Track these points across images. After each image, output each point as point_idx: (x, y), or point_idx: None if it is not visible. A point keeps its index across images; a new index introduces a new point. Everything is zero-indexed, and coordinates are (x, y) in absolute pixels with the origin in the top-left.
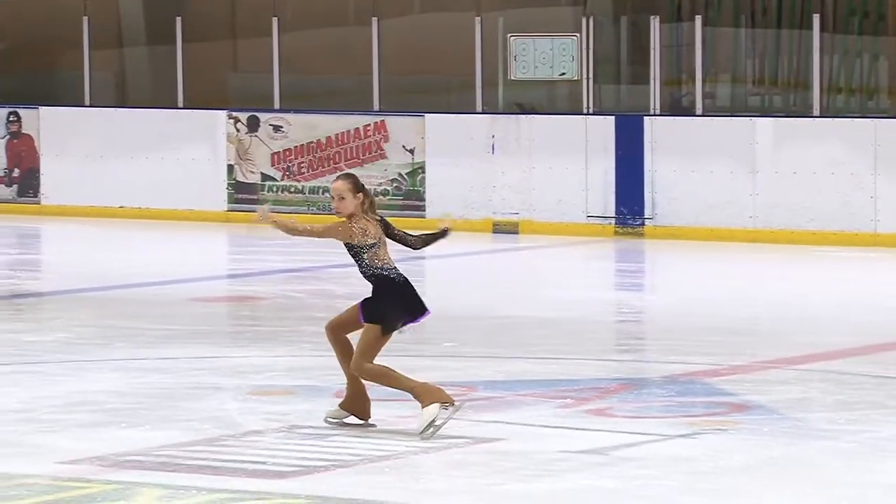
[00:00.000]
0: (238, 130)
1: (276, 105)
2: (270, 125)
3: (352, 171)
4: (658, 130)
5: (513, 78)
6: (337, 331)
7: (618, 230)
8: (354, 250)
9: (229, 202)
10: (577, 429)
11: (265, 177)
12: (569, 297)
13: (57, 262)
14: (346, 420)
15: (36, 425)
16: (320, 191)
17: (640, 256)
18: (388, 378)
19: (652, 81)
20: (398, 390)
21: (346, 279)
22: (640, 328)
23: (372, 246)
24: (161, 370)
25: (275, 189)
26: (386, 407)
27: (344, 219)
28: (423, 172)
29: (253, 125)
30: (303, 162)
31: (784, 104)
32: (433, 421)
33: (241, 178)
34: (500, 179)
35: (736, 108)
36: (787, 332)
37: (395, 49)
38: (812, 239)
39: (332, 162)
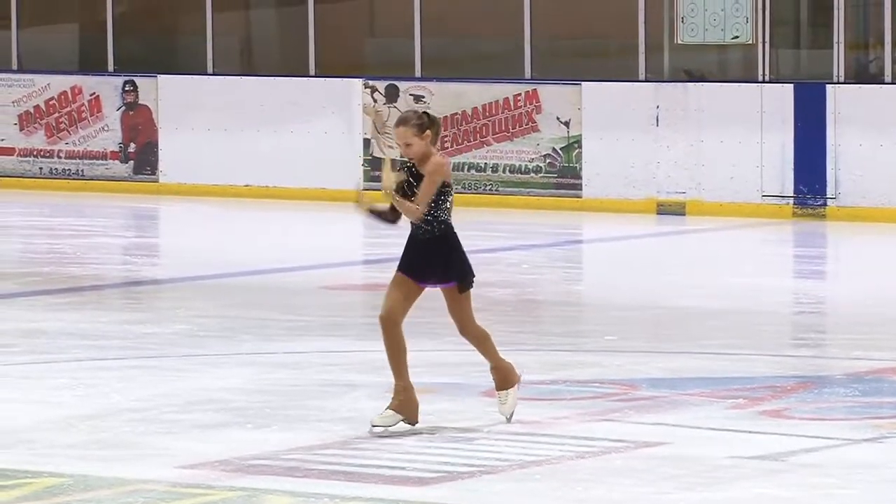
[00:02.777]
0: (375, 101)
1: (418, 73)
2: (411, 95)
3: (503, 145)
4: (842, 100)
5: (680, 42)
6: (400, 319)
7: (797, 211)
8: (443, 191)
9: (365, 180)
10: (749, 432)
11: None
12: (741, 285)
13: (176, 247)
14: (391, 428)
15: (154, 426)
16: (466, 168)
17: (822, 240)
18: (487, 345)
19: (835, 45)
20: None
21: (492, 265)
22: (821, 320)
23: (451, 185)
24: (290, 366)
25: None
26: (537, 406)
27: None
28: (580, 147)
29: (392, 95)
30: (446, 136)
31: None
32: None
33: (378, 154)
34: (665, 155)
35: None
36: None
37: (549, 9)
38: None
39: (478, 135)
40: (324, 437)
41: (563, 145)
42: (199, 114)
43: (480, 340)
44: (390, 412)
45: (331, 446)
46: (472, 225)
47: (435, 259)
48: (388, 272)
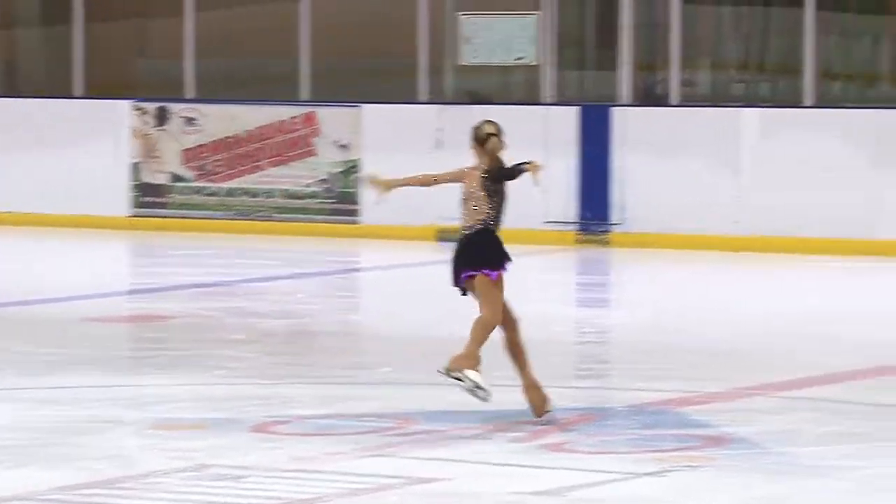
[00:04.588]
0: (145, 123)
1: (189, 94)
2: (182, 117)
3: (278, 169)
4: (628, 122)
5: (463, 63)
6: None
7: (581, 237)
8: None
9: (134, 206)
10: (531, 466)
11: (175, 177)
12: (524, 314)
13: None
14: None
15: None
16: (239, 193)
17: (606, 268)
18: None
19: (621, 67)
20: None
21: (265, 294)
22: (604, 350)
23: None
24: (53, 401)
25: (186, 191)
26: (311, 442)
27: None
28: (359, 172)
29: (162, 117)
30: (219, 160)
31: (772, 92)
32: (477, 384)
33: (147, 179)
34: None
35: (718, 97)
36: (773, 354)
37: (328, 29)
38: (803, 247)
39: (252, 160)
40: (87, 475)
41: (341, 170)
42: None
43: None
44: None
45: (94, 485)
46: (245, 253)
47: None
48: (157, 303)
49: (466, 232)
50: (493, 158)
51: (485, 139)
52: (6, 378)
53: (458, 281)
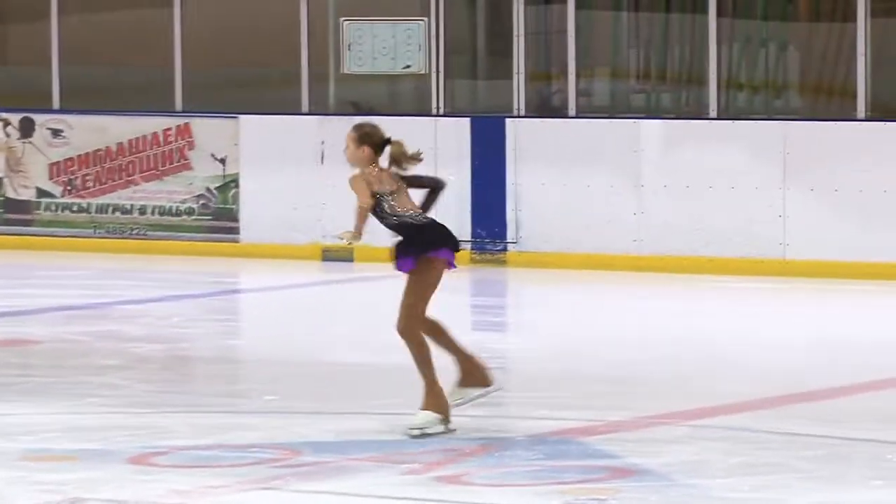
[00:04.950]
0: (8, 135)
1: (56, 105)
2: (48, 129)
3: (151, 184)
4: (523, 135)
5: (346, 71)
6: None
7: (475, 257)
8: (376, 200)
9: None
10: (426, 500)
11: (41, 192)
12: None
13: None
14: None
15: None
16: (110, 209)
17: (502, 289)
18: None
19: (515, 76)
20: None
21: (138, 318)
22: (502, 376)
23: (391, 193)
24: None
25: (53, 207)
26: (189, 475)
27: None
28: (237, 187)
29: (27, 129)
30: (88, 174)
31: (674, 103)
32: (425, 429)
33: (11, 195)
34: (332, 195)
35: (616, 109)
36: (678, 380)
37: (203, 37)
38: (709, 267)
39: (124, 174)
40: None
41: (218, 184)
42: None
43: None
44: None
45: None
46: (117, 273)
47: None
48: (22, 327)
49: (416, 217)
50: (399, 162)
51: (386, 142)
52: None
53: (405, 266)
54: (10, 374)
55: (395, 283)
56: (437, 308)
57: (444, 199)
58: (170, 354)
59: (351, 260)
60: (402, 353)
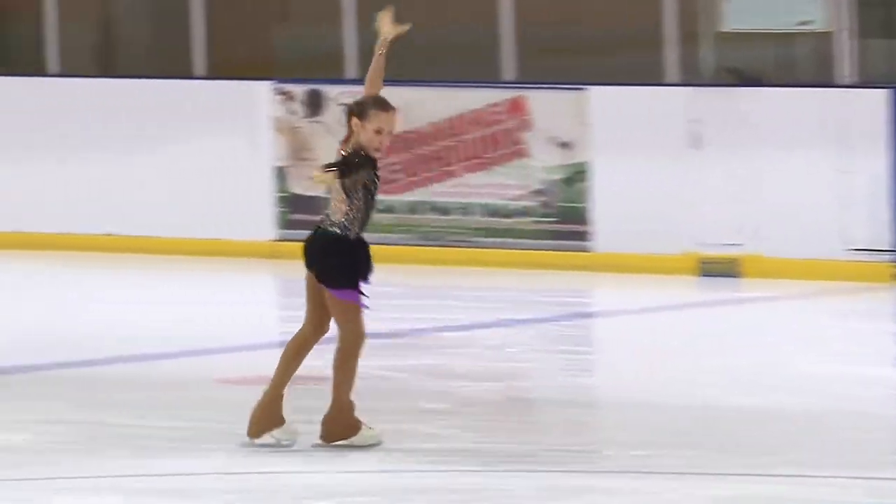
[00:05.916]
0: (293, 113)
1: (351, 73)
2: (341, 105)
3: (475, 176)
4: None
5: (725, 30)
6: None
7: None
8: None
9: (279, 226)
10: None
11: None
12: (821, 376)
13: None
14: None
15: None
16: (422, 209)
17: None
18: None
19: None
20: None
21: (466, 348)
22: None
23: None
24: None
25: None
26: None
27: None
28: (587, 179)
29: (314, 103)
30: (394, 164)
31: None
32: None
33: (296, 189)
34: (708, 189)
35: None
36: None
37: None
38: None
39: (440, 163)
40: None
41: (562, 176)
42: (37, 132)
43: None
44: None
45: None
46: (434, 292)
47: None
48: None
49: (320, 227)
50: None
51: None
52: (113, 460)
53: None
54: (304, 419)
55: (792, 306)
56: (852, 338)
57: (849, 192)
58: (505, 395)
59: (737, 275)
60: (804, 395)
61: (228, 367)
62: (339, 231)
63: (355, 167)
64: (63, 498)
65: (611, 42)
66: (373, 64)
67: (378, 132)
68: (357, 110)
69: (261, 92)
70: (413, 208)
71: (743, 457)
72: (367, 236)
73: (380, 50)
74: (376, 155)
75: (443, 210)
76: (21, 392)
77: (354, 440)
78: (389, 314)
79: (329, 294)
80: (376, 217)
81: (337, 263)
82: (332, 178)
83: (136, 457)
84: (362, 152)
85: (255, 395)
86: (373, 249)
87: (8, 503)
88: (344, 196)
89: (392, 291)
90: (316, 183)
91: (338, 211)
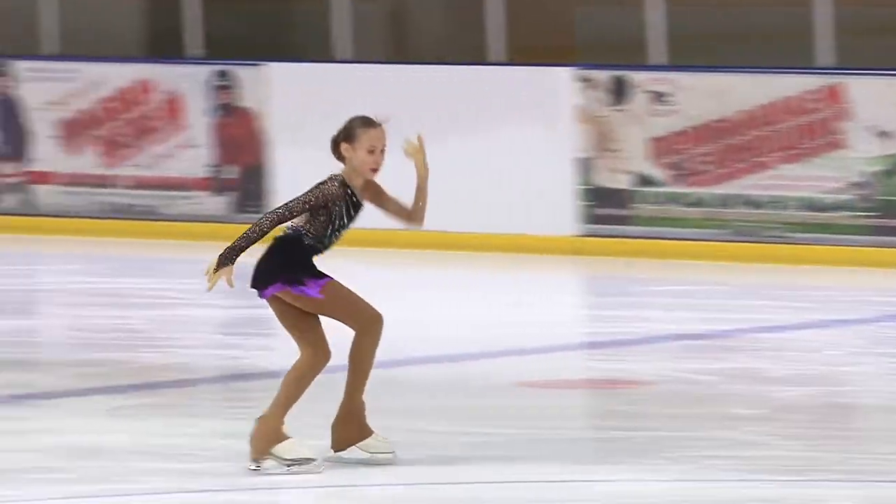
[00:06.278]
0: (595, 101)
1: (659, 58)
2: (649, 92)
3: (791, 168)
4: None
5: None
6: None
7: None
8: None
9: (583, 221)
10: None
11: (642, 179)
12: None
13: None
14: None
15: None
16: (735, 203)
17: None
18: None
19: None
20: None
21: (783, 351)
22: None
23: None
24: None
25: (657, 199)
26: None
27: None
28: None
29: (618, 91)
30: (704, 154)
31: None
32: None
33: (601, 182)
34: None
35: None
36: None
37: None
38: None
39: (752, 153)
40: None
41: (882, 168)
42: (326, 119)
43: None
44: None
45: None
46: (750, 291)
47: None
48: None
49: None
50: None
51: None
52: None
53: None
54: (612, 425)
55: None
56: None
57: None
58: (825, 402)
59: None
60: None
61: (531, 370)
62: (290, 232)
63: (237, 252)
64: None
65: None
66: (414, 204)
67: (371, 151)
68: (343, 135)
69: (561, 78)
70: (724, 202)
71: None
72: (671, 230)
73: (419, 201)
74: (371, 176)
75: (756, 204)
76: (314, 393)
77: (275, 451)
78: (695, 314)
79: (293, 297)
80: (686, 212)
81: (280, 261)
82: (227, 273)
83: (436, 462)
84: (341, 189)
85: (560, 400)
86: (682, 245)
87: None
88: (308, 214)
89: (701, 290)
90: (209, 286)
91: (300, 219)
